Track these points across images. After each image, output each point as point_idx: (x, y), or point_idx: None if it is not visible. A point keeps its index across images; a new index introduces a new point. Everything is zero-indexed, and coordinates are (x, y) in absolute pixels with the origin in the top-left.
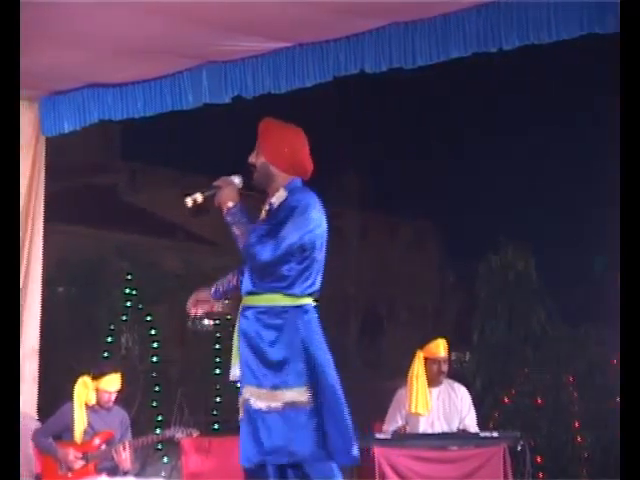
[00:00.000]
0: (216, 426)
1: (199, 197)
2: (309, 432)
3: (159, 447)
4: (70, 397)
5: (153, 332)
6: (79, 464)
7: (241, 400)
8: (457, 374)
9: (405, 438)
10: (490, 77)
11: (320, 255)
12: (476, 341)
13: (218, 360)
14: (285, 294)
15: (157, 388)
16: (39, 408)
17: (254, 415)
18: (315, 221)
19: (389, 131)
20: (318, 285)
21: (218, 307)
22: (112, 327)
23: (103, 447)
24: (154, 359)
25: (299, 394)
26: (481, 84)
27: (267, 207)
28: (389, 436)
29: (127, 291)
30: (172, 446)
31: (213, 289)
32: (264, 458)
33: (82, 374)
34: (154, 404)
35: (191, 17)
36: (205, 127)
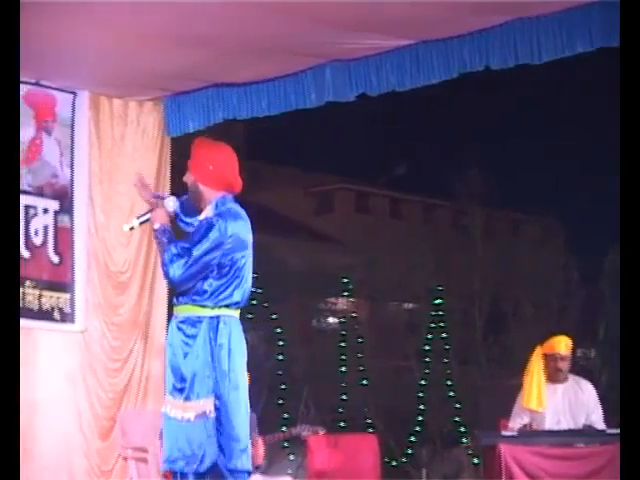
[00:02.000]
0: (342, 424)
1: (136, 223)
2: (213, 441)
3: (285, 445)
4: None
5: (278, 330)
6: None
7: (163, 408)
8: (583, 370)
9: (531, 435)
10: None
11: (243, 270)
12: (601, 337)
13: (343, 358)
14: (199, 305)
15: (283, 386)
16: None
17: (171, 424)
18: (236, 239)
19: (513, 129)
20: (238, 297)
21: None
22: None
23: None
24: (280, 357)
25: (207, 404)
26: (608, 80)
27: (197, 224)
28: (515, 433)
29: (252, 290)
30: (298, 444)
31: (162, 228)
32: (182, 466)
33: None
34: (280, 402)
35: (315, 16)
36: (327, 125)
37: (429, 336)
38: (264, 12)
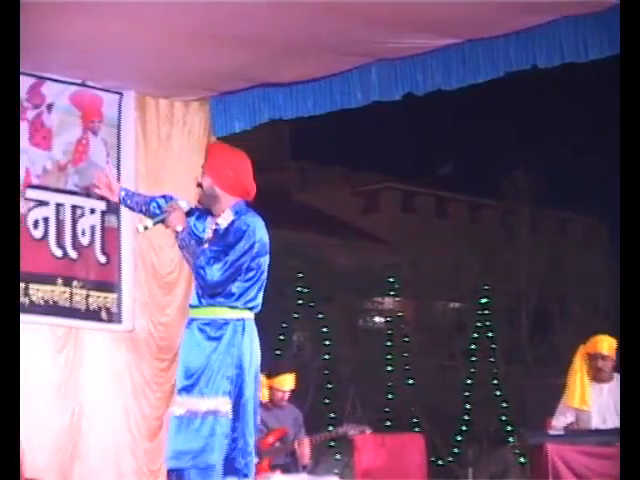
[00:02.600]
0: (388, 423)
1: (149, 223)
2: (223, 440)
3: (332, 444)
4: None
5: (325, 330)
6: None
7: (172, 408)
8: None
9: (578, 434)
10: None
11: (264, 274)
12: None
13: (389, 357)
14: (228, 307)
15: (329, 385)
16: None
17: (177, 422)
18: (261, 244)
19: (560, 128)
20: (258, 300)
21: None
22: (284, 325)
23: (277, 444)
24: (326, 357)
25: (223, 403)
26: None
27: (214, 227)
28: (562, 432)
29: (299, 289)
30: (345, 443)
31: (124, 193)
32: (180, 463)
33: None
34: (326, 401)
35: (362, 15)
36: (373, 125)
37: (475, 335)
38: (310, 12)
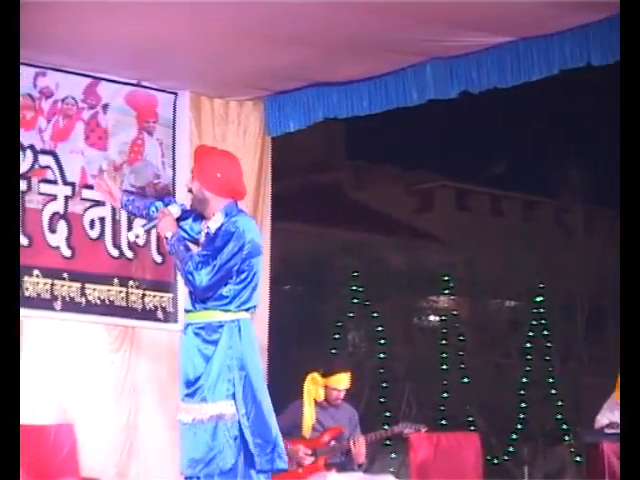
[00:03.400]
0: (443, 422)
1: (141, 230)
2: (232, 443)
3: (387, 443)
4: (298, 394)
5: (380, 329)
6: (309, 460)
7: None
8: None
9: None
10: None
11: (256, 276)
12: None
13: (444, 356)
14: (222, 310)
15: (384, 384)
16: None
17: (185, 429)
18: (252, 245)
19: (615, 127)
20: (254, 301)
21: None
22: (339, 324)
23: (332, 443)
24: (381, 355)
25: (227, 406)
26: None
27: (205, 231)
28: (618, 431)
29: (353, 288)
30: (400, 442)
31: (125, 198)
32: (195, 471)
33: (311, 371)
34: (382, 400)
35: (417, 14)
36: (428, 123)
37: (530, 334)
38: (365, 12)
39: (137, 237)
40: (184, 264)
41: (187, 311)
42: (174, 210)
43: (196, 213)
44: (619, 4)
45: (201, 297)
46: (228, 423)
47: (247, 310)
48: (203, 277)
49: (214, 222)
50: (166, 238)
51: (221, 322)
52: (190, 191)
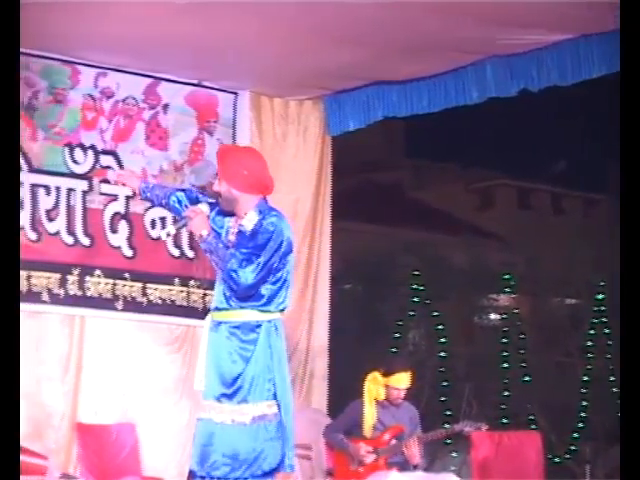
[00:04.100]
0: (504, 420)
1: (172, 229)
2: (276, 444)
3: (448, 441)
4: (359, 393)
5: (440, 328)
6: (370, 459)
7: (202, 413)
8: None
9: None
10: None
11: (290, 274)
12: None
13: (505, 354)
14: (260, 310)
15: (445, 383)
16: (329, 404)
17: (215, 429)
18: (288, 242)
19: None
20: (287, 301)
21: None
22: (400, 323)
23: (393, 442)
24: (442, 354)
25: (268, 407)
26: None
27: (236, 229)
28: None
29: (414, 287)
30: (461, 440)
31: (144, 184)
32: (227, 472)
33: (371, 370)
34: (442, 399)
35: (477, 13)
36: (487, 121)
37: (591, 332)
38: (425, 11)
39: (168, 235)
40: (225, 262)
41: (219, 309)
42: (204, 208)
43: (218, 209)
44: None
45: (243, 295)
46: (269, 424)
47: (282, 311)
48: (248, 275)
49: (249, 221)
50: (201, 236)
51: (258, 322)
52: (218, 194)
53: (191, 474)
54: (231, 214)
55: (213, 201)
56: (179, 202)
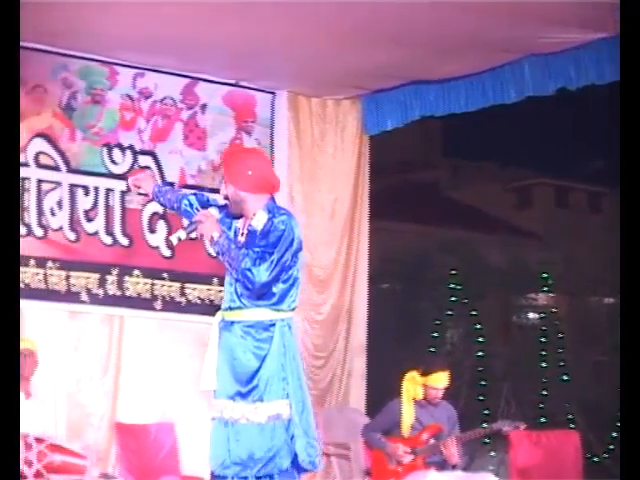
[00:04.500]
0: (543, 419)
1: (182, 234)
2: (289, 443)
3: (486, 441)
4: (397, 393)
5: (478, 327)
6: (408, 458)
7: (215, 413)
8: None
9: None
10: None
11: (300, 272)
12: None
13: (544, 353)
14: (272, 309)
15: (483, 382)
16: (367, 404)
17: (230, 427)
18: (298, 240)
19: None
20: (297, 300)
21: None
22: (438, 322)
23: (431, 441)
24: (480, 354)
25: (283, 406)
26: None
27: (246, 230)
28: None
29: (452, 286)
30: (500, 439)
31: (157, 188)
32: (234, 470)
33: (409, 370)
34: (480, 398)
35: (515, 12)
36: (525, 119)
37: None
38: (463, 11)
39: (179, 240)
40: (239, 262)
41: (231, 308)
42: (214, 212)
43: (233, 216)
44: None
45: (258, 294)
46: (284, 423)
47: (293, 309)
48: (262, 273)
49: (258, 221)
50: (212, 239)
51: (272, 321)
52: (226, 198)
53: (211, 475)
54: (240, 216)
55: (222, 204)
56: (190, 205)
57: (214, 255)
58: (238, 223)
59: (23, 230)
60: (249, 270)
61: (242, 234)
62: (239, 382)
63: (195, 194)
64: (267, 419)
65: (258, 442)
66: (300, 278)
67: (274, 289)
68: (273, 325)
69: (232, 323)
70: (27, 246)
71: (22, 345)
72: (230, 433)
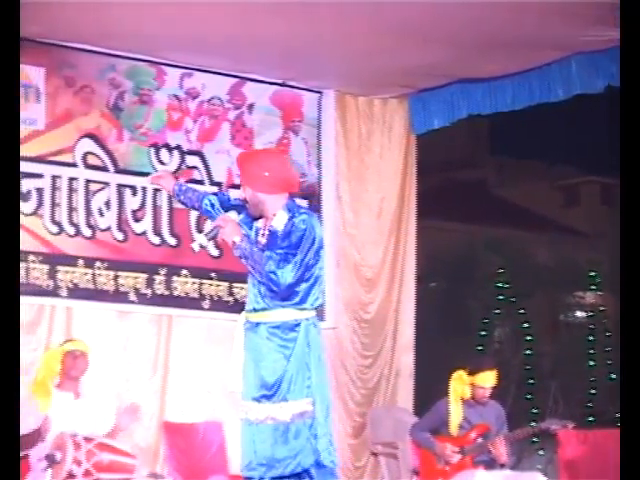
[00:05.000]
0: (591, 418)
1: (204, 240)
2: (313, 442)
3: (535, 440)
4: (445, 392)
5: (526, 325)
6: (456, 458)
7: (241, 414)
8: None
9: None
10: None
11: (322, 271)
12: None
13: (592, 352)
14: (297, 309)
15: (531, 381)
16: (415, 403)
17: (254, 430)
18: (320, 239)
19: None
20: (321, 298)
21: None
22: (485, 321)
23: (479, 440)
24: (527, 352)
25: (306, 404)
26: None
27: (267, 231)
28: None
29: (499, 285)
30: (548, 438)
31: (177, 186)
32: (260, 471)
33: (457, 368)
34: (528, 397)
35: (557, 11)
36: (572, 117)
37: None
38: (507, 9)
39: (201, 247)
40: (263, 264)
41: (256, 310)
42: (234, 215)
43: (252, 219)
44: None
45: (284, 295)
46: (308, 421)
47: (316, 308)
48: (287, 275)
49: (278, 221)
50: (234, 243)
51: (297, 320)
52: (245, 201)
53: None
54: (260, 217)
55: (242, 204)
56: (212, 206)
57: None
58: (259, 223)
59: (71, 230)
60: (273, 272)
61: (263, 235)
62: (265, 383)
63: (216, 193)
64: (291, 417)
65: (282, 441)
66: (322, 276)
67: (296, 289)
68: (299, 325)
69: (258, 324)
70: (75, 246)
71: (74, 346)
72: (255, 434)
